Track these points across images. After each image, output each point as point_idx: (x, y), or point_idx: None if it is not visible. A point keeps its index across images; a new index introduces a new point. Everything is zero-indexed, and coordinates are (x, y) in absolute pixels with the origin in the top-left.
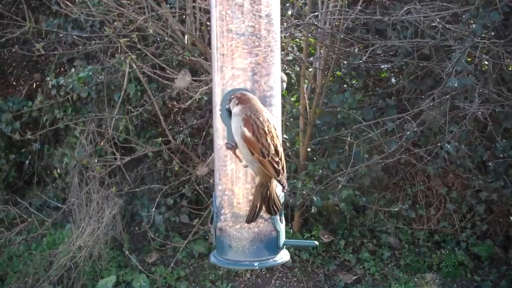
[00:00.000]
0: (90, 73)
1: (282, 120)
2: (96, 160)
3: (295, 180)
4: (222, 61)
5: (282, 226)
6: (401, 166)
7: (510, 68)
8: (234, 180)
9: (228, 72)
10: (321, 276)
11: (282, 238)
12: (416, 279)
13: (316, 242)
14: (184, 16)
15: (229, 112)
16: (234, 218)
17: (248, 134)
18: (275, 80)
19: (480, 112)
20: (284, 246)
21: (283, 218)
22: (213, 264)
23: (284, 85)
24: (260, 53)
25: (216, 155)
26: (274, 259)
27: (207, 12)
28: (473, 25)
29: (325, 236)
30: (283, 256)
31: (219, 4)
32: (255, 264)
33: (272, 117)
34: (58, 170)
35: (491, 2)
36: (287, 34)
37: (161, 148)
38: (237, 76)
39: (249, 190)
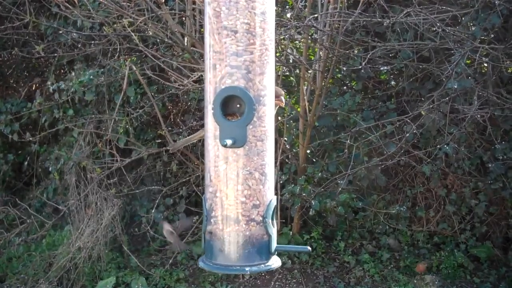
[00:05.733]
0: (91, 77)
1: (281, 122)
2: (94, 162)
3: (293, 185)
4: (215, 59)
5: (274, 231)
6: (401, 168)
7: (509, 71)
8: (225, 181)
9: (222, 69)
10: (320, 277)
11: (274, 243)
12: (415, 281)
13: (309, 248)
14: (183, 18)
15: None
16: (225, 221)
17: None
18: (269, 79)
19: (479, 115)
20: (276, 252)
21: (275, 222)
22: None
23: (282, 98)
24: (255, 51)
25: (206, 156)
26: (266, 264)
27: None
28: (472, 27)
29: (423, 265)
30: (275, 261)
31: (213, 0)
32: (246, 269)
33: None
34: (56, 171)
35: (491, 5)
36: (286, 36)
37: (160, 150)
38: (231, 74)
39: (241, 192)
